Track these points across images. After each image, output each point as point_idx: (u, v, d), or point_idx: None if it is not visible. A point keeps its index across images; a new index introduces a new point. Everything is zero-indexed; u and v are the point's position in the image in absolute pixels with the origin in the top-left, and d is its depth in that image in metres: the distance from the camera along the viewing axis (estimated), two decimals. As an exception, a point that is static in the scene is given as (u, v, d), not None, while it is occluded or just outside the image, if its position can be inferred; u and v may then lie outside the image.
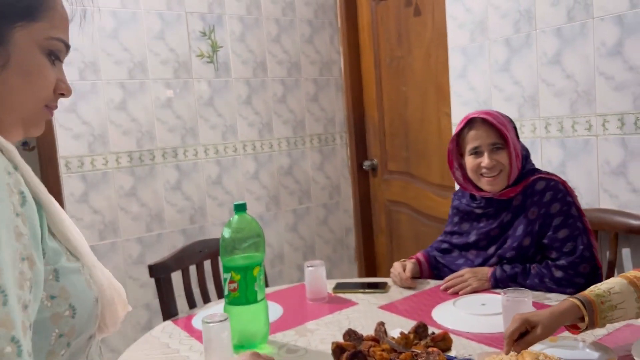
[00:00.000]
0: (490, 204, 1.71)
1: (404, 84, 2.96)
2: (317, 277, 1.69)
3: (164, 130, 2.73)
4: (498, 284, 1.63)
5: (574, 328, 1.16)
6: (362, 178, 3.36)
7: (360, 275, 3.39)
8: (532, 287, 1.57)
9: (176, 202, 2.78)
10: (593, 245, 1.62)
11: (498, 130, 1.63)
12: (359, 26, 3.25)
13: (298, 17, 3.15)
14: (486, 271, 1.66)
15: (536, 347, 1.19)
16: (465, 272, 1.68)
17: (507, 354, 1.09)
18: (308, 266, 1.69)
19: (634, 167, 1.86)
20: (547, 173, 1.69)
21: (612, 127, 1.90)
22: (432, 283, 1.77)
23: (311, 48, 3.21)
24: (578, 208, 1.64)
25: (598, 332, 1.27)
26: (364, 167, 3.31)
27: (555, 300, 1.50)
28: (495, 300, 1.48)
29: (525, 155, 1.71)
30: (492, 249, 1.71)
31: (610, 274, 1.86)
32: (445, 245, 1.85)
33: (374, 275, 3.34)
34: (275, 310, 1.61)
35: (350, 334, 1.29)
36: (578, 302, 1.13)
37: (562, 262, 1.58)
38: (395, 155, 3.13)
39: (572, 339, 1.22)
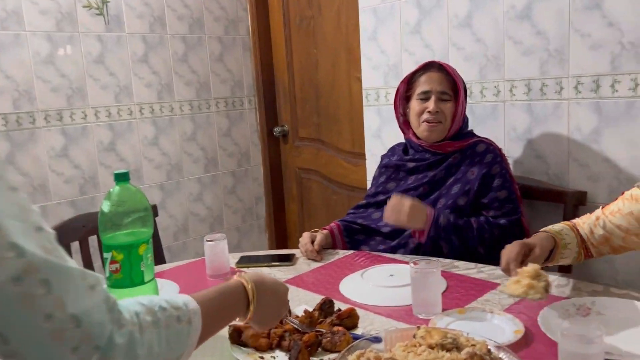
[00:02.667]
0: (424, 158, 1.68)
1: (315, 46, 2.83)
2: (218, 252, 1.55)
3: (45, 90, 2.42)
4: (439, 232, 1.55)
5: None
6: (273, 145, 3.22)
7: (271, 246, 3.28)
8: (471, 241, 1.55)
9: (62, 170, 2.49)
10: (523, 214, 1.64)
11: (452, 81, 1.65)
12: (267, -18, 3.05)
13: (200, -31, 2.89)
14: (426, 211, 1.56)
15: (445, 320, 1.14)
16: (398, 201, 1.55)
17: (513, 276, 1.14)
18: (208, 240, 1.55)
19: (539, 133, 1.86)
20: (487, 139, 1.71)
21: (519, 93, 1.89)
22: (342, 253, 1.70)
23: (215, 3, 2.97)
24: (511, 176, 1.66)
25: (505, 302, 1.25)
26: (274, 134, 3.16)
27: (464, 269, 1.48)
28: (404, 270, 1.41)
29: (466, 118, 1.74)
30: None
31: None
32: (363, 202, 1.80)
33: (285, 246, 3.25)
34: (170, 290, 1.46)
35: (250, 315, 1.18)
36: (548, 234, 1.26)
37: (503, 221, 1.58)
38: (306, 121, 3.01)
39: (480, 310, 1.19)
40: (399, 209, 1.54)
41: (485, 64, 1.96)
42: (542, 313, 1.12)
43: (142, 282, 1.17)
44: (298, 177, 3.16)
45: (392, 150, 1.88)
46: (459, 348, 0.93)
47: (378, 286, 1.39)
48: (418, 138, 1.72)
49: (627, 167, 1.68)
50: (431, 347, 0.93)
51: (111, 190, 1.17)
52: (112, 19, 2.59)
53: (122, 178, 1.17)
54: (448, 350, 0.92)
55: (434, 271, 1.21)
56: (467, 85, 2.02)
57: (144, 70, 2.72)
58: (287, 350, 1.06)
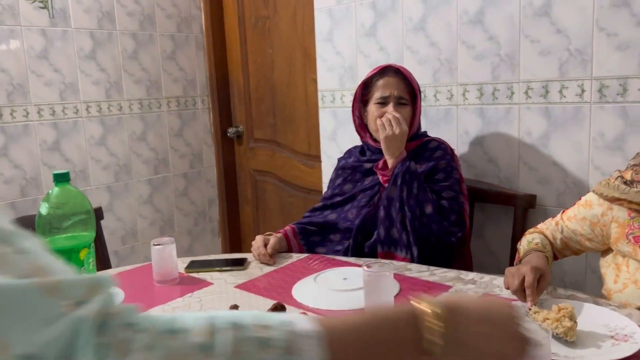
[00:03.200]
0: (380, 159, 1.68)
1: (270, 46, 2.79)
2: (166, 256, 1.49)
3: (-17, 85, 2.29)
4: (406, 170, 1.58)
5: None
6: (227, 146, 3.16)
7: (225, 250, 3.22)
8: (417, 199, 1.56)
9: (2, 170, 2.36)
10: (464, 208, 1.65)
11: (409, 86, 1.66)
12: (221, -20, 2.99)
13: (152, -35, 2.81)
14: (402, 149, 1.62)
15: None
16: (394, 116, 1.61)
17: (535, 303, 1.13)
18: (155, 244, 1.49)
19: (491, 137, 1.89)
20: (439, 138, 1.74)
21: (471, 97, 1.92)
22: (295, 257, 1.66)
23: (167, 0, 2.89)
24: (460, 175, 1.68)
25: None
26: (228, 134, 3.11)
27: (417, 272, 1.47)
28: (358, 274, 1.40)
29: (419, 119, 1.75)
30: (372, 205, 1.67)
31: (467, 241, 1.89)
32: (319, 205, 1.79)
33: (239, 249, 3.19)
34: (114, 297, 1.39)
35: (198, 322, 1.13)
36: (541, 253, 1.30)
37: (443, 202, 1.60)
38: (261, 122, 2.97)
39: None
40: (400, 124, 1.59)
41: (438, 68, 1.98)
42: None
43: (83, 289, 1.11)
44: (253, 179, 3.11)
45: (349, 152, 1.88)
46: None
47: (331, 290, 1.36)
48: (375, 141, 1.71)
49: (574, 171, 1.73)
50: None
51: (50, 191, 1.11)
52: (57, 13, 2.47)
53: (61, 179, 1.11)
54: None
55: (387, 274, 1.20)
56: (422, 89, 2.03)
57: (91, 67, 2.61)
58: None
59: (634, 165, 1.26)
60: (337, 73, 2.29)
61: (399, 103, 1.65)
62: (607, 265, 1.33)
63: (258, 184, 3.09)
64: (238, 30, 2.96)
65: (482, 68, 1.87)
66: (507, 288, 1.21)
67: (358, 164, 1.76)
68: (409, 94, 1.66)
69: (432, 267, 1.51)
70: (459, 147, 1.96)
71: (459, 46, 1.92)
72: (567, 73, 1.69)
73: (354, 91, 1.74)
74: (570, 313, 1.06)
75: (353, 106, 1.75)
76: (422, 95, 2.03)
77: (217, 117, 3.11)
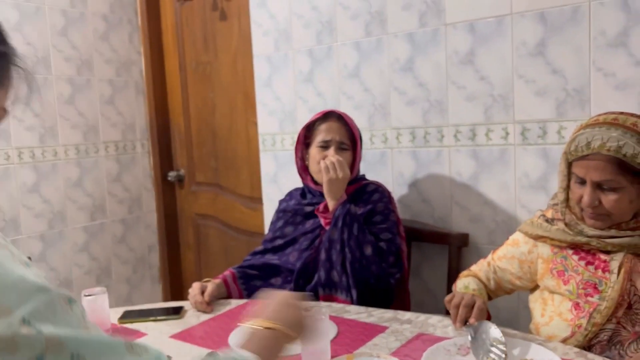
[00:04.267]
0: (321, 202, 1.69)
1: (211, 91, 2.81)
2: (97, 307, 1.43)
3: None
4: (346, 214, 1.61)
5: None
6: (168, 190, 3.11)
7: (166, 298, 3.12)
8: (357, 241, 1.59)
9: None
10: (402, 250, 1.69)
11: (350, 131, 1.70)
12: (162, 26, 3.01)
13: (90, 10, 2.79)
14: (343, 192, 1.66)
15: (333, 368, 1.13)
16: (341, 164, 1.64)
17: (458, 323, 1.25)
18: (86, 295, 1.43)
19: (424, 178, 1.96)
20: (376, 182, 1.79)
21: (405, 140, 1.99)
22: (234, 303, 1.64)
23: (106, 45, 2.88)
24: (397, 217, 1.73)
25: (392, 345, 1.26)
26: (169, 178, 3.06)
27: (355, 314, 1.48)
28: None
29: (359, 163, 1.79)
30: (313, 248, 1.68)
31: (406, 281, 1.92)
32: (260, 248, 1.79)
33: (181, 297, 3.10)
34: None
35: (127, 376, 1.09)
36: (483, 300, 1.32)
37: (382, 244, 1.63)
38: (203, 166, 2.95)
39: (368, 355, 1.19)
40: (342, 168, 1.62)
41: (373, 113, 2.05)
42: (426, 354, 1.14)
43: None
44: (195, 223, 3.07)
45: (290, 194, 1.89)
46: (343, 397, 0.92)
47: (268, 336, 1.35)
48: (316, 183, 1.74)
49: (503, 209, 1.81)
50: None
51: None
52: (-12, 57, 2.41)
53: (-20, 230, 1.06)
54: (332, 400, 0.91)
55: (322, 318, 1.20)
56: (357, 132, 2.09)
57: (24, 113, 2.54)
58: (167, 412, 0.99)
59: (554, 204, 1.34)
60: (277, 117, 2.33)
61: (340, 148, 1.69)
62: (534, 300, 1.38)
63: (200, 228, 3.04)
64: (179, 74, 2.97)
65: (413, 113, 1.95)
66: (447, 302, 1.30)
67: (299, 207, 1.77)
68: (349, 139, 1.71)
69: (370, 309, 1.52)
70: (395, 189, 2.02)
71: (391, 92, 2.00)
72: (492, 117, 1.79)
73: (295, 135, 1.78)
74: None
75: (296, 148, 1.78)
76: (359, 138, 2.09)
77: (158, 161, 3.07)
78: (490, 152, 1.81)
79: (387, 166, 2.04)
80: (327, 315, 1.21)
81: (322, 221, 1.67)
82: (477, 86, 1.81)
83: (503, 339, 1.15)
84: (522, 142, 1.74)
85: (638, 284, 1.18)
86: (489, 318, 1.32)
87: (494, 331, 1.17)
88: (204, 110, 2.88)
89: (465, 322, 1.24)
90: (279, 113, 2.33)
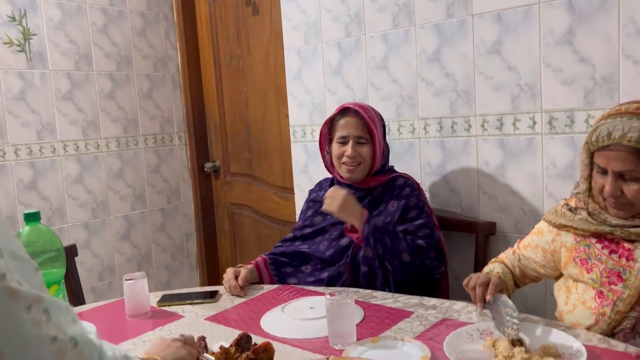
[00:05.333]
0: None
1: (245, 84, 2.89)
2: (138, 290, 1.53)
3: (-39, 127, 2.33)
4: (373, 230, 1.62)
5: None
6: (204, 180, 3.22)
7: (203, 284, 3.24)
8: (393, 251, 1.61)
9: (-22, 211, 2.39)
10: (441, 241, 1.72)
11: (367, 125, 1.71)
12: (196, 22, 3.10)
13: (128, 8, 2.91)
14: (359, 208, 1.67)
15: (358, 350, 1.19)
16: (335, 190, 1.68)
17: (478, 302, 1.28)
18: (127, 279, 1.53)
19: (451, 168, 1.98)
20: (406, 174, 1.81)
21: (432, 130, 2.01)
22: (266, 288, 1.71)
23: (144, 41, 2.99)
24: (429, 208, 1.75)
25: (416, 330, 1.31)
26: (205, 169, 3.17)
27: (382, 299, 1.53)
28: (323, 303, 1.45)
29: (388, 155, 1.82)
30: (345, 240, 1.72)
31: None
32: (290, 236, 1.86)
33: (217, 282, 3.21)
34: (86, 332, 1.42)
35: (165, 354, 1.17)
36: (506, 281, 1.39)
37: (420, 242, 1.65)
38: (237, 157, 3.04)
39: (392, 339, 1.24)
40: (334, 196, 1.65)
41: (401, 103, 2.08)
42: (448, 338, 1.18)
43: (53, 325, 1.15)
44: (230, 212, 3.16)
45: (320, 185, 1.94)
46: (364, 375, 0.97)
47: (297, 319, 1.41)
48: (342, 176, 1.79)
49: (530, 198, 1.82)
50: (338, 375, 0.97)
51: (21, 230, 1.16)
52: (35, 55, 2.55)
53: (32, 218, 1.16)
54: (354, 378, 0.96)
55: (348, 302, 1.25)
56: (386, 123, 2.13)
57: (68, 107, 2.67)
58: (202, 387, 1.07)
59: (577, 193, 1.35)
60: (307, 109, 2.38)
61: (358, 142, 1.72)
62: (559, 289, 1.40)
63: (235, 217, 3.14)
64: (213, 69, 3.05)
65: (440, 103, 1.97)
66: (466, 285, 1.33)
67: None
68: (368, 133, 1.73)
69: (396, 294, 1.57)
70: (423, 178, 2.05)
71: (419, 82, 2.02)
72: (519, 106, 1.80)
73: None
74: (553, 351, 1.11)
75: (320, 143, 1.83)
76: (387, 129, 2.12)
77: (194, 153, 3.18)
78: (518, 142, 1.82)
79: (415, 156, 2.07)
80: (353, 300, 1.27)
81: (356, 240, 1.69)
82: (504, 76, 1.81)
83: (515, 307, 1.19)
84: (549, 132, 1.75)
85: (661, 272, 1.18)
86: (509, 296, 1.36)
87: (507, 301, 1.21)
88: (237, 103, 2.96)
89: (484, 301, 1.27)
90: (308, 105, 2.38)
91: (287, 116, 2.52)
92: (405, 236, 1.66)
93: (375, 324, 1.37)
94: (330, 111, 2.25)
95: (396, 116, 2.10)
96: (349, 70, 2.21)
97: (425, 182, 2.05)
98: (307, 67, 2.36)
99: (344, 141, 1.73)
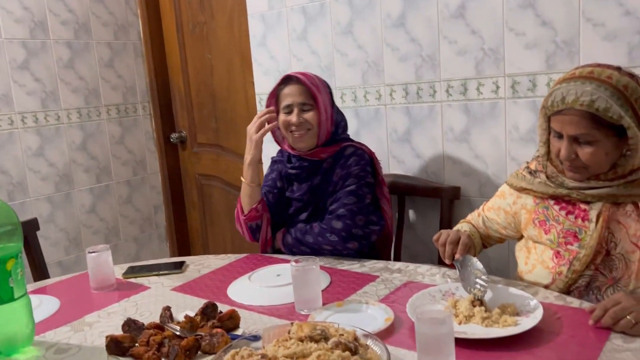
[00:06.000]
0: (303, 167, 1.72)
1: (209, 52, 2.82)
2: (102, 263, 1.51)
3: None
4: (291, 249, 1.67)
5: None
6: (170, 151, 3.17)
7: (173, 255, 3.22)
8: (319, 245, 1.62)
9: None
10: (383, 209, 1.70)
11: (309, 91, 1.67)
12: (157, -13, 3.00)
13: (84, -28, 2.79)
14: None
15: (323, 314, 1.20)
16: None
17: (447, 258, 1.29)
18: (90, 252, 1.50)
19: (417, 134, 1.99)
20: (359, 143, 1.76)
21: (398, 97, 2.01)
22: (233, 257, 1.71)
23: (102, 8, 2.87)
24: (379, 179, 1.72)
25: (381, 293, 1.33)
26: (171, 140, 3.11)
27: (348, 265, 1.55)
28: (289, 270, 1.46)
29: (343, 125, 1.77)
30: (304, 215, 1.72)
31: (399, 233, 1.98)
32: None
33: (188, 254, 3.20)
34: (49, 306, 1.41)
35: (130, 324, 1.17)
36: (474, 240, 1.42)
37: (341, 211, 1.63)
38: (204, 127, 2.99)
39: (357, 302, 1.25)
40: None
41: (366, 70, 2.06)
42: (411, 300, 1.20)
43: (12, 299, 1.13)
44: (198, 183, 3.13)
45: (281, 152, 1.87)
46: (327, 339, 0.99)
47: (264, 287, 1.42)
48: (293, 148, 1.74)
49: (493, 163, 1.84)
50: (301, 340, 0.98)
51: (-27, 204, 1.12)
52: (-14, 23, 2.43)
53: (-16, 192, 1.12)
54: (317, 341, 0.98)
55: (313, 268, 1.26)
56: (352, 90, 2.12)
57: (25, 78, 2.57)
58: (167, 356, 1.07)
59: (538, 156, 1.37)
60: (272, 76, 2.35)
61: (302, 109, 1.68)
62: (519, 250, 1.44)
63: (204, 188, 3.11)
64: (176, 36, 2.97)
65: (406, 69, 1.96)
66: (435, 241, 1.34)
67: (284, 171, 1.79)
68: (312, 98, 1.68)
69: (362, 260, 1.59)
70: (389, 145, 2.05)
71: (384, 48, 2.00)
72: (483, 71, 1.80)
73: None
74: (512, 309, 1.14)
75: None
76: (352, 96, 2.11)
77: (160, 123, 3.11)
78: (482, 107, 1.83)
79: (382, 123, 2.07)
80: (318, 266, 1.28)
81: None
82: (468, 40, 1.81)
83: (484, 270, 1.22)
84: (512, 96, 1.76)
85: (615, 232, 1.22)
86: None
87: (476, 263, 1.24)
88: (202, 72, 2.90)
89: (453, 258, 1.30)
90: (274, 72, 2.34)
91: (253, 84, 2.48)
92: (323, 225, 1.63)
93: (341, 289, 1.38)
94: (296, 78, 2.22)
95: (362, 83, 2.08)
96: (314, 35, 2.18)
97: (391, 149, 2.05)
98: (271, 33, 2.31)
99: (289, 110, 1.69)
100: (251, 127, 1.72)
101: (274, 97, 1.75)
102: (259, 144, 1.71)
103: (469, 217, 1.57)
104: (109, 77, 2.92)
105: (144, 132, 3.12)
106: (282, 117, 1.71)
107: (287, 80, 1.71)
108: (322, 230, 1.63)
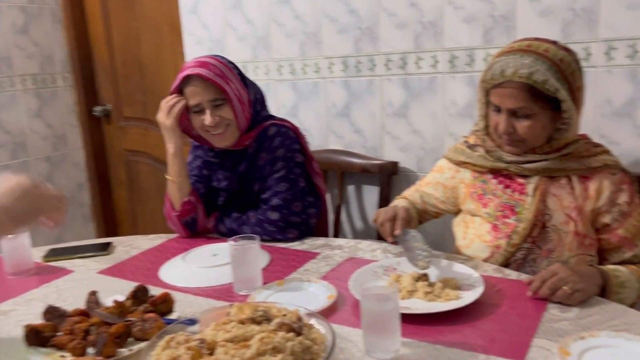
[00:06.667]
0: (226, 156, 1.60)
1: (135, 19, 2.64)
2: (18, 246, 1.38)
3: None
4: (226, 234, 1.57)
5: None
6: (94, 126, 2.97)
7: (99, 236, 3.05)
8: (257, 231, 1.52)
9: None
10: (318, 186, 1.63)
11: (216, 85, 1.49)
12: (75, -54, 2.76)
13: None
14: None
15: (264, 294, 1.15)
16: None
17: (389, 237, 1.27)
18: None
19: (356, 108, 1.96)
20: (281, 119, 1.63)
21: (337, 70, 1.96)
22: (164, 237, 1.62)
23: (13, -33, 2.62)
24: (307, 155, 1.62)
25: (322, 270, 1.29)
26: (94, 114, 2.92)
27: (288, 242, 1.50)
28: (227, 249, 1.39)
29: (260, 100, 1.61)
30: (234, 204, 1.63)
31: (338, 209, 1.96)
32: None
33: (115, 234, 3.04)
34: (-43, 294, 1.27)
35: (51, 312, 1.07)
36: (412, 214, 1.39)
37: (275, 201, 1.54)
38: (130, 100, 2.82)
39: (298, 280, 1.21)
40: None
41: (305, 41, 2.00)
42: (353, 277, 1.18)
43: None
44: (125, 160, 2.97)
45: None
46: (270, 320, 0.94)
47: (200, 267, 1.35)
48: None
49: (430, 138, 1.85)
50: (242, 322, 0.93)
51: None
52: None
53: None
54: (259, 323, 0.92)
55: (252, 246, 1.21)
56: (289, 63, 2.05)
57: None
58: (93, 344, 0.98)
59: (475, 131, 1.37)
60: (205, 47, 2.23)
61: (214, 106, 1.50)
62: (457, 224, 1.45)
63: (131, 164, 2.95)
64: (99, 1, 2.76)
65: (345, 41, 1.92)
66: (375, 221, 1.32)
67: (207, 159, 1.65)
68: (223, 92, 1.50)
69: (303, 238, 1.54)
70: (328, 120, 2.01)
71: (323, 19, 1.94)
72: (422, 45, 1.79)
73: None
74: (453, 283, 1.14)
75: (181, 117, 1.57)
76: (290, 68, 2.05)
77: (82, 95, 2.91)
78: (420, 81, 1.82)
79: (320, 97, 2.02)
80: (258, 244, 1.22)
81: None
82: (408, 13, 1.79)
83: (424, 240, 1.22)
84: (450, 70, 1.76)
85: (550, 204, 1.25)
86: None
87: (416, 236, 1.23)
88: (128, 41, 2.72)
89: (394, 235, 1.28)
90: (207, 42, 2.23)
91: (183, 55, 2.35)
92: (260, 215, 1.54)
93: (281, 267, 1.34)
94: (232, 49, 2.13)
95: (300, 55, 2.02)
96: (250, 3, 2.08)
97: (330, 123, 2.01)
98: (203, 0, 2.19)
99: (199, 109, 1.51)
100: (161, 116, 1.56)
101: (179, 94, 1.56)
102: (175, 129, 1.55)
103: (406, 193, 1.56)
104: (23, 45, 2.68)
105: (64, 104, 2.90)
106: (194, 118, 1.54)
107: (187, 79, 1.50)
108: (259, 221, 1.53)
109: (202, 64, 1.50)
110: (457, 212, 1.47)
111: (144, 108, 2.78)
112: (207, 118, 1.49)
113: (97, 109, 2.91)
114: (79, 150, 2.99)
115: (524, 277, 1.18)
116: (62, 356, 0.96)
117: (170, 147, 1.58)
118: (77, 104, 2.93)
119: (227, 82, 1.50)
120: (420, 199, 1.50)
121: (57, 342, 0.99)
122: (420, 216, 1.53)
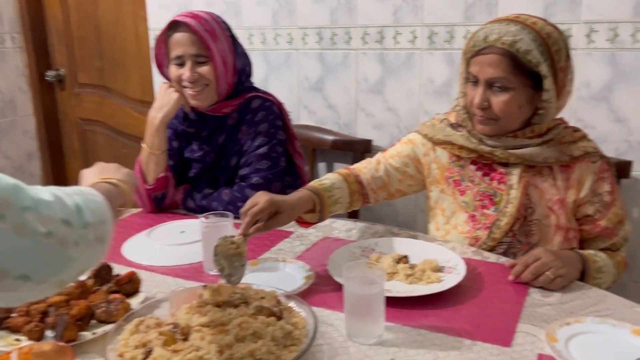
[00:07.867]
0: (204, 124, 1.51)
1: (93, -23, 2.48)
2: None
3: None
4: (197, 210, 1.48)
5: (304, 223, 1.22)
6: (46, 91, 2.80)
7: (50, 207, 2.89)
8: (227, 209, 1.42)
9: None
10: (298, 167, 1.57)
11: (202, 40, 1.40)
12: None
13: None
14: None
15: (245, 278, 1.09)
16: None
17: (245, 233, 1.04)
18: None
19: (330, 83, 1.89)
20: (265, 92, 1.55)
21: (311, 41, 1.88)
22: (127, 212, 1.52)
23: None
24: (290, 133, 1.55)
25: (298, 249, 1.24)
26: (47, 78, 2.74)
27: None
28: (196, 226, 1.31)
29: (247, 72, 1.53)
30: (207, 177, 1.54)
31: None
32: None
33: (68, 206, 2.89)
34: None
35: None
36: (312, 194, 1.18)
37: (255, 179, 1.46)
38: (86, 65, 2.66)
39: (273, 260, 1.16)
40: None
41: (277, 9, 1.91)
42: (331, 257, 1.13)
43: None
44: (80, 129, 2.81)
45: None
46: (248, 302, 0.88)
47: (167, 245, 1.28)
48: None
49: (406, 115, 1.80)
50: (219, 305, 0.87)
51: None
52: None
53: None
54: (236, 306, 0.87)
55: (225, 224, 1.14)
56: (261, 32, 1.96)
57: None
58: (52, 327, 0.90)
59: (456, 106, 1.31)
60: (170, 10, 2.10)
61: (197, 62, 1.42)
62: (432, 217, 1.37)
63: (86, 134, 2.80)
64: (52, -44, 2.57)
65: (320, 11, 1.84)
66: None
67: (181, 129, 1.56)
68: (208, 49, 1.42)
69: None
70: (300, 94, 1.94)
71: (298, -13, 1.86)
72: (401, 19, 1.73)
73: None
74: (434, 265, 1.10)
75: (159, 67, 1.52)
76: (261, 37, 1.96)
77: (33, 58, 2.72)
78: (397, 57, 1.77)
79: (292, 69, 1.94)
80: (231, 222, 1.15)
81: None
82: (388, -16, 1.72)
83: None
84: (428, 47, 1.72)
85: (532, 197, 1.21)
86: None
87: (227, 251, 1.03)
88: (84, 1, 2.54)
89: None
90: (172, 5, 2.10)
91: (146, 19, 2.22)
92: (236, 192, 1.45)
93: (254, 246, 1.27)
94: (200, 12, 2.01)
95: (273, 24, 1.93)
96: (219, -33, 1.96)
97: (302, 98, 1.94)
98: (169, -40, 2.06)
99: (180, 62, 1.43)
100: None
101: (164, 42, 1.47)
102: (179, 98, 1.46)
103: (357, 165, 1.37)
104: (-34, -1, 2.46)
105: (13, 67, 2.71)
106: (173, 69, 1.45)
107: (175, 25, 1.43)
108: (233, 199, 1.44)
109: (194, 16, 1.43)
110: (418, 191, 1.38)
111: (101, 74, 2.62)
112: (186, 73, 1.42)
113: (50, 74, 2.73)
114: (30, 117, 2.81)
115: (503, 259, 1.16)
116: (17, 339, 0.88)
117: (159, 115, 1.47)
118: (28, 67, 2.73)
119: (214, 40, 1.42)
120: (385, 173, 1.34)
121: (11, 324, 0.90)
122: (373, 192, 1.34)
